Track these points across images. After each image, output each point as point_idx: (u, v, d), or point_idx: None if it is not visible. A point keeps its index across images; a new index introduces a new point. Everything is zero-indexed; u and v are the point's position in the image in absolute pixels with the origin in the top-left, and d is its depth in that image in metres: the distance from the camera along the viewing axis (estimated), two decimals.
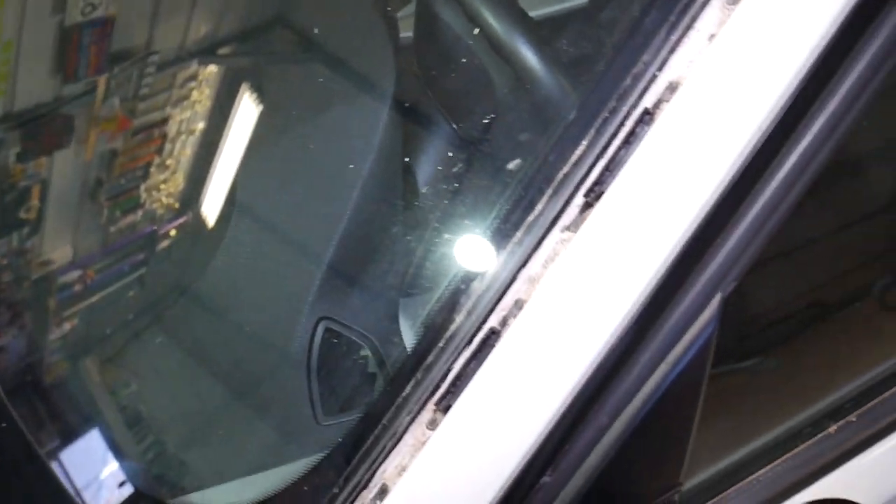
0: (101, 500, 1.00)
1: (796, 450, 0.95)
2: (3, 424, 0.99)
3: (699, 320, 0.72)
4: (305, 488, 0.80)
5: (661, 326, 0.72)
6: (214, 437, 0.93)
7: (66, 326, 1.18)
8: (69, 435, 1.05)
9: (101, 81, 1.25)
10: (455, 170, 0.81)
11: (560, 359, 0.70)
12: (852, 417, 0.97)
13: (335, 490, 0.77)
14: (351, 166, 0.96)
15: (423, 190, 0.83)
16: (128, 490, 0.97)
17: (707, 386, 0.95)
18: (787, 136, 0.70)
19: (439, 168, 0.83)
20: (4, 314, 1.13)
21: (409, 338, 0.84)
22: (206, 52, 1.25)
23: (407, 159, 0.86)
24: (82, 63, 1.29)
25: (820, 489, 0.94)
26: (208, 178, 1.13)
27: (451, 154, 0.84)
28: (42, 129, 1.23)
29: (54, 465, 1.00)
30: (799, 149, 0.71)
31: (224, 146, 1.12)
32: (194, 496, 0.88)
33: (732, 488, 0.93)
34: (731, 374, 1.08)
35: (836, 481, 0.95)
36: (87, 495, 1.00)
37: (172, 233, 1.16)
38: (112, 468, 1.00)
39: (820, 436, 0.96)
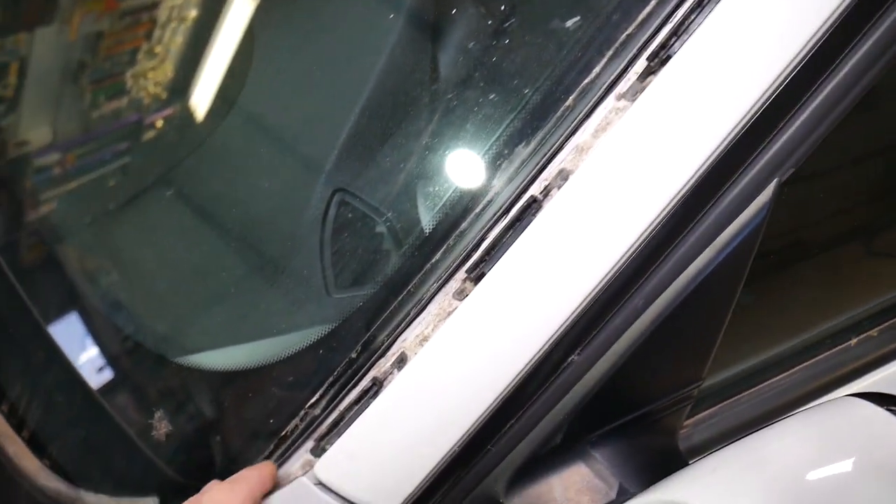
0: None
1: (815, 359, 0.94)
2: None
3: (752, 205, 0.68)
4: (321, 352, 0.77)
5: (712, 209, 0.68)
6: (222, 300, 0.90)
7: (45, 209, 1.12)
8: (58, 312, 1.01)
9: None
10: (505, 26, 0.75)
11: (602, 235, 0.66)
12: (873, 332, 0.96)
13: (353, 355, 0.74)
14: (377, 31, 0.90)
15: (469, 46, 0.76)
16: (108, 375, 0.94)
17: None
18: (863, 22, 0.65)
19: (489, 23, 0.77)
20: None
21: (427, 220, 0.80)
22: None
23: (454, 11, 0.79)
24: None
25: None
26: (203, 63, 1.05)
27: (503, 8, 0.77)
28: (22, 2, 1.15)
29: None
30: (875, 35, 0.66)
31: (224, 24, 1.05)
32: (200, 356, 0.85)
33: (749, 391, 0.91)
34: None
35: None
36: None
37: (159, 123, 1.10)
38: (91, 353, 0.96)
39: (840, 347, 0.95)
